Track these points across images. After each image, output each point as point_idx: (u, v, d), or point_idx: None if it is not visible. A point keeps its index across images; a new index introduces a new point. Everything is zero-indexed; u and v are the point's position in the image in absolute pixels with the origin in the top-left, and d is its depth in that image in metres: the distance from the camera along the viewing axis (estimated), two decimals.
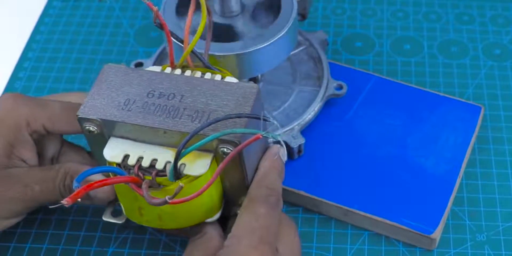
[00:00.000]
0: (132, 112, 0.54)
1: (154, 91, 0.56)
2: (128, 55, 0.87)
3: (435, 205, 0.70)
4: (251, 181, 0.59)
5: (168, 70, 0.59)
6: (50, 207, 0.54)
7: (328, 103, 0.77)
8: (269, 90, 0.77)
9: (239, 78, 0.60)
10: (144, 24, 0.92)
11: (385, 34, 0.90)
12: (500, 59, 0.86)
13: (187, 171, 0.53)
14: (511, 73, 0.85)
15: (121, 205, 0.60)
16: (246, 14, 0.70)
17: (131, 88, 0.56)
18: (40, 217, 0.72)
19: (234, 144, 0.52)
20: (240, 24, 0.69)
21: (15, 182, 0.61)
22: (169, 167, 0.52)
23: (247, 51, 0.65)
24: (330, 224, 0.71)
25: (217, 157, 0.54)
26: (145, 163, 0.54)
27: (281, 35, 0.66)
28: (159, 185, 0.53)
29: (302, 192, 0.71)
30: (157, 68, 0.59)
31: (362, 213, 0.69)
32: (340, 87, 0.76)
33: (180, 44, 0.62)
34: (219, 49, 0.65)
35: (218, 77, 0.58)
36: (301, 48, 0.81)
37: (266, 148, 0.61)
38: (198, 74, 0.58)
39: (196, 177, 0.53)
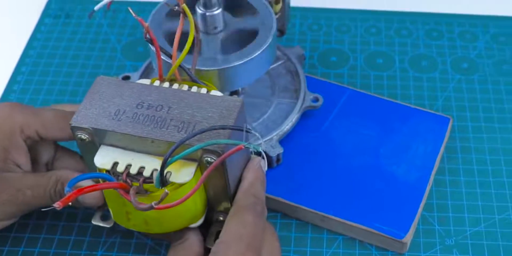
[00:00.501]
0: (122, 122, 0.54)
1: (143, 103, 0.56)
2: (116, 69, 0.87)
3: (406, 211, 0.70)
4: (234, 190, 0.59)
5: (157, 83, 0.58)
6: (42, 209, 0.54)
7: (305, 115, 0.77)
8: (249, 102, 0.76)
9: (221, 91, 0.60)
10: (130, 39, 0.91)
11: (359, 49, 0.90)
12: (468, 73, 0.86)
13: (173, 178, 0.53)
14: (478, 86, 0.85)
15: (110, 209, 0.60)
16: (227, 31, 0.70)
17: (122, 99, 0.56)
18: (33, 222, 0.71)
19: (218, 154, 0.52)
20: (222, 41, 0.69)
21: (9, 186, 0.61)
22: (155, 175, 0.52)
23: (230, 66, 0.65)
24: (307, 229, 0.71)
25: (201, 166, 0.54)
26: (133, 170, 0.54)
27: (261, 51, 0.66)
28: (146, 191, 0.53)
29: (280, 199, 0.71)
30: (147, 81, 0.59)
31: (337, 218, 0.69)
32: (316, 100, 0.76)
33: (169, 58, 0.62)
34: (203, 63, 0.65)
35: (203, 90, 0.58)
36: (279, 62, 0.81)
37: (248, 158, 0.61)
38: (185, 87, 0.58)
39: (181, 185, 0.54)
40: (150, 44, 0.59)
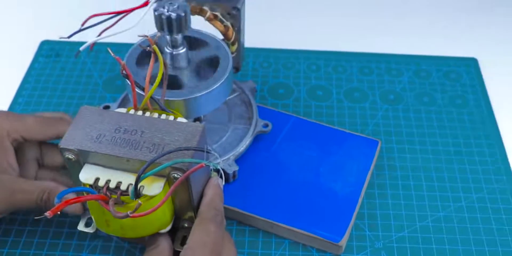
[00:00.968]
0: (103, 144, 0.54)
1: (121, 128, 0.56)
2: (98, 99, 0.86)
3: (342, 219, 0.70)
4: (197, 202, 0.58)
5: (132, 111, 0.58)
6: (35, 218, 0.54)
7: (257, 138, 0.78)
8: (209, 128, 0.77)
9: (186, 118, 0.60)
10: (110, 75, 0.90)
11: (302, 83, 0.90)
12: (394, 103, 0.87)
13: (145, 191, 0.53)
14: (402, 114, 0.85)
15: (92, 218, 0.59)
16: (191, 67, 0.70)
17: (102, 125, 0.56)
18: (28, 228, 0.71)
19: (183, 170, 0.52)
20: (187, 76, 0.69)
21: (4, 187, 0.62)
22: (131, 188, 0.53)
23: (193, 96, 0.65)
24: (258, 234, 0.72)
25: (169, 181, 0.54)
26: (112, 184, 0.54)
27: (219, 84, 0.66)
28: (122, 202, 0.53)
29: (236, 209, 0.71)
30: (123, 110, 0.59)
31: (284, 225, 0.70)
32: (266, 125, 0.77)
33: (142, 91, 0.62)
34: (171, 95, 0.65)
35: (171, 117, 0.58)
36: (235, 94, 0.81)
37: (208, 175, 0.60)
38: (155, 115, 0.58)
39: (152, 197, 0.54)
40: (126, 79, 0.59)
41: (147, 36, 0.58)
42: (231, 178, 0.73)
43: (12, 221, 0.72)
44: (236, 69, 0.78)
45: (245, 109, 0.80)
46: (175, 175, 0.53)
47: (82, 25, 0.64)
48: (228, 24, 0.71)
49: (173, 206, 0.59)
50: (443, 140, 0.82)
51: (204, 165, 0.51)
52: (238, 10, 0.69)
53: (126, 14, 0.65)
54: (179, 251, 0.57)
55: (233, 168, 0.72)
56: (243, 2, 0.70)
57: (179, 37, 0.67)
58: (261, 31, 0.96)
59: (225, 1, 0.69)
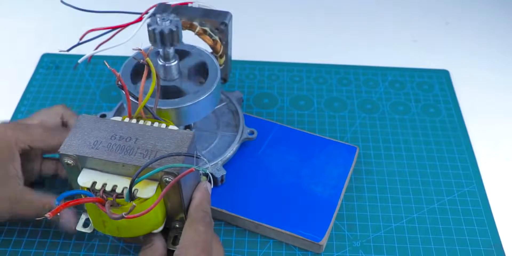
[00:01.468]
0: (99, 150, 0.54)
1: (116, 135, 0.56)
2: (95, 108, 0.86)
3: (322, 220, 0.70)
4: (187, 204, 0.58)
5: (126, 120, 0.58)
6: (36, 219, 0.54)
7: (244, 144, 0.78)
8: (199, 135, 0.77)
9: (177, 125, 0.60)
10: (106, 86, 0.90)
11: (285, 93, 0.90)
12: (371, 112, 0.87)
13: (139, 194, 0.54)
14: (378, 122, 0.85)
15: (90, 219, 0.59)
16: (183, 77, 0.70)
17: (99, 132, 0.56)
18: (29, 229, 0.71)
19: (174, 175, 0.53)
20: (179, 85, 0.69)
21: (12, 195, 0.62)
22: (125, 191, 0.53)
23: (183, 106, 0.65)
24: (244, 234, 0.72)
25: (161, 185, 0.54)
26: (108, 188, 0.54)
27: (207, 94, 0.67)
28: (118, 204, 0.54)
29: (224, 210, 0.71)
30: (119, 118, 0.58)
31: (268, 226, 0.70)
32: (252, 133, 0.77)
33: (136, 101, 0.62)
34: (163, 104, 0.65)
35: (163, 125, 0.58)
36: (223, 103, 0.81)
37: (198, 179, 0.60)
38: (148, 123, 0.58)
39: (146, 199, 0.54)
40: (121, 89, 0.59)
41: (141, 49, 0.58)
42: (219, 182, 0.73)
43: (15, 221, 0.72)
44: (224, 80, 0.77)
45: (232, 118, 0.80)
46: (167, 179, 0.53)
47: (80, 39, 0.65)
48: (217, 38, 0.71)
49: (165, 208, 0.59)
50: (417, 147, 0.82)
51: (194, 169, 0.51)
52: (226, 25, 0.69)
53: (121, 29, 0.65)
54: (171, 250, 0.57)
55: (221, 173, 0.72)
56: (231, 18, 0.70)
57: (171, 50, 0.67)
58: (248, 44, 0.96)
59: (213, 17, 0.69)
